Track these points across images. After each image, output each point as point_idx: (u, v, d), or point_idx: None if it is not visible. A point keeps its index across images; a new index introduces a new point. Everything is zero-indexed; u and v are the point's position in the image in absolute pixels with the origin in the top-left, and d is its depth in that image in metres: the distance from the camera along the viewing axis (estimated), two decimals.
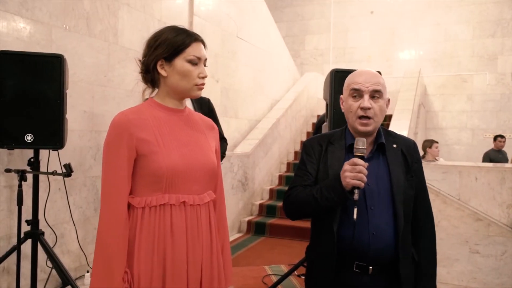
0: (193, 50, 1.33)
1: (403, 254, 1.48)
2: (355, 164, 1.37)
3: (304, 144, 1.68)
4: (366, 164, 1.39)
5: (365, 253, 1.46)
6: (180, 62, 1.32)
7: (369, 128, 1.50)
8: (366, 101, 1.48)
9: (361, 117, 1.49)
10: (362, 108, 1.48)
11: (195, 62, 1.34)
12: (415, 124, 6.89)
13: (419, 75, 7.83)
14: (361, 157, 1.40)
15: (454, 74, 8.64)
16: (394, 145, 1.57)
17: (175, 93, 1.37)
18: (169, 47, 1.31)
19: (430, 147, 5.75)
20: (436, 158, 5.71)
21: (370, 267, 1.47)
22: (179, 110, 1.40)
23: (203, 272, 1.35)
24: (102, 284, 1.24)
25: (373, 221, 1.47)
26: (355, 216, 1.37)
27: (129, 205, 1.30)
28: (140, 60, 1.39)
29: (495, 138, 7.25)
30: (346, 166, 1.39)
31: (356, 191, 1.37)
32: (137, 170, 1.30)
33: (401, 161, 1.55)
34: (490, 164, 4.31)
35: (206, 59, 1.38)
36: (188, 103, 2.57)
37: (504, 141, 7.19)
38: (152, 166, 1.28)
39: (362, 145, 1.41)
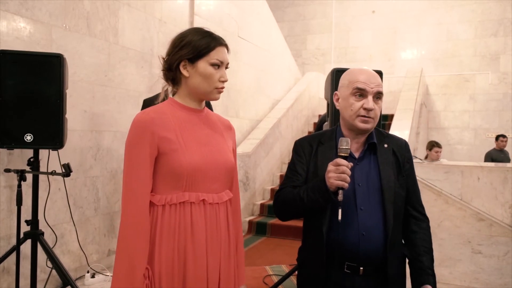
0: (216, 54, 1.35)
1: (392, 254, 1.47)
2: (338, 165, 1.35)
3: (294, 144, 1.66)
4: (350, 164, 1.37)
5: (355, 254, 1.45)
6: (203, 65, 1.34)
7: (369, 126, 1.49)
8: (370, 102, 1.46)
9: (363, 116, 1.48)
10: (365, 109, 1.46)
11: (218, 65, 1.35)
12: (417, 123, 6.87)
13: (421, 75, 7.80)
14: (345, 157, 1.38)
15: (456, 73, 8.61)
16: (385, 145, 1.56)
17: (195, 94, 1.38)
18: (193, 49, 1.33)
19: (430, 150, 5.67)
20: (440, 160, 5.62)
21: (361, 268, 1.45)
22: (199, 110, 1.42)
23: (221, 272, 1.36)
24: (123, 279, 1.25)
25: (363, 221, 1.45)
26: (339, 217, 1.36)
27: (150, 203, 1.32)
28: (163, 58, 1.40)
29: (497, 137, 7.21)
30: (330, 166, 1.38)
31: (340, 191, 1.35)
32: (158, 168, 1.31)
33: (392, 161, 1.54)
34: (493, 164, 4.28)
35: (228, 63, 1.40)
36: None
37: (506, 141, 7.15)
38: (173, 164, 1.29)
39: (345, 145, 1.39)
